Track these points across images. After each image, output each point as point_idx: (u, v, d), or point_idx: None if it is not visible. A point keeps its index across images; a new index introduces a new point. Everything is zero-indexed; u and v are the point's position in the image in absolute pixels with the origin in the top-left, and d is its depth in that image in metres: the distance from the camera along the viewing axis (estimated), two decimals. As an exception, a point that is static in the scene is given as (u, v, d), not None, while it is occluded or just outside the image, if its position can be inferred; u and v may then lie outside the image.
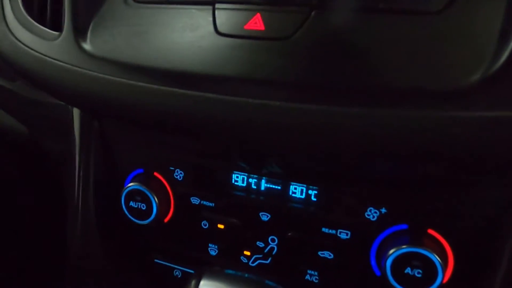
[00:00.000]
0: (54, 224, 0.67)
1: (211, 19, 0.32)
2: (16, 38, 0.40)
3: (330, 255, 0.44)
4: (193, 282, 0.30)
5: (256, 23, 0.31)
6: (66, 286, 0.61)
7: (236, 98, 0.30)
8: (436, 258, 0.38)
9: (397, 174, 0.38)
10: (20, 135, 0.70)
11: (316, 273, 0.46)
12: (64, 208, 0.59)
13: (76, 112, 0.55)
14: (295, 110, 0.29)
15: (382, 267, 0.40)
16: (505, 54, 0.25)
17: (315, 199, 0.44)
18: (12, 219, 0.74)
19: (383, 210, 0.41)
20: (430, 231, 0.40)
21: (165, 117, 0.34)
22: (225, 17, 0.32)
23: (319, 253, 0.45)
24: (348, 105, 0.28)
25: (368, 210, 0.42)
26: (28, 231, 0.77)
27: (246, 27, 0.31)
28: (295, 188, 0.45)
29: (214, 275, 0.31)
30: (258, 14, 0.30)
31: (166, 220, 0.51)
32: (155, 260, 0.55)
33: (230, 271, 0.36)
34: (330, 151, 0.32)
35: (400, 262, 0.39)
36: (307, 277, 0.46)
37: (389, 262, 0.39)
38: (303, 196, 0.45)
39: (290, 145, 0.32)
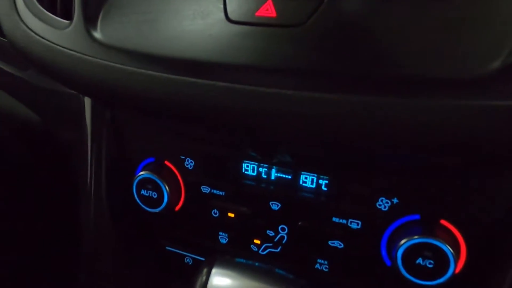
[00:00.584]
0: (67, 212, 0.68)
1: (221, 6, 0.32)
2: (27, 27, 0.40)
3: (340, 245, 0.44)
4: (204, 270, 0.31)
5: (268, 9, 0.30)
6: (80, 273, 0.62)
7: (248, 87, 0.30)
8: (448, 249, 0.38)
9: (410, 164, 0.38)
10: (33, 124, 0.71)
11: (326, 262, 0.46)
12: (77, 196, 0.60)
13: (87, 101, 0.55)
14: (307, 99, 0.29)
15: (393, 257, 0.40)
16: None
17: (325, 189, 0.44)
18: (25, 207, 0.76)
19: (395, 200, 0.41)
20: (443, 222, 0.40)
21: (175, 106, 0.34)
22: (236, 4, 0.31)
23: (329, 242, 0.45)
24: (362, 94, 0.27)
25: (379, 200, 0.41)
26: (41, 219, 0.79)
27: (257, 14, 0.30)
28: (306, 178, 0.45)
29: (225, 263, 0.31)
30: (270, 1, 0.30)
31: (177, 208, 0.52)
32: (167, 248, 0.56)
33: (241, 260, 0.36)
34: (342, 141, 0.32)
35: (412, 252, 0.39)
36: (317, 266, 0.46)
37: (400, 252, 0.39)
38: (313, 186, 0.45)
39: (302, 134, 0.32)
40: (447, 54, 0.25)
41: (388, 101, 0.27)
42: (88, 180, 0.55)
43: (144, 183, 0.50)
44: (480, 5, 0.25)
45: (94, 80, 0.37)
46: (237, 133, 0.39)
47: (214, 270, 0.30)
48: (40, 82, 0.66)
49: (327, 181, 0.44)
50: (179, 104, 0.33)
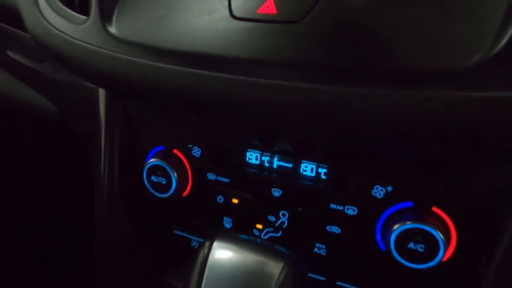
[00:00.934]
0: (81, 198, 0.72)
1: (226, 3, 0.34)
2: (48, 22, 0.44)
3: (337, 230, 0.47)
4: (206, 244, 0.34)
5: (269, 7, 0.32)
6: (94, 256, 0.66)
7: (249, 78, 0.32)
8: (438, 234, 0.40)
9: (403, 153, 0.40)
10: (50, 114, 0.75)
11: (324, 247, 0.49)
12: (91, 186, 0.63)
13: (101, 93, 0.58)
14: (304, 90, 0.31)
15: (386, 241, 0.43)
16: (506, 37, 0.26)
17: (324, 177, 0.47)
18: (41, 196, 0.80)
19: (389, 188, 0.43)
20: (435, 209, 0.42)
21: (183, 96, 0.37)
22: (240, 1, 0.34)
23: (327, 228, 0.47)
24: (354, 85, 0.30)
25: (374, 187, 0.44)
26: (56, 206, 0.82)
27: (259, 11, 0.33)
28: (306, 166, 0.47)
29: (227, 238, 0.34)
30: (271, -2, 0.32)
31: (184, 194, 0.55)
32: (174, 232, 0.59)
33: (241, 236, 0.39)
34: (337, 130, 0.34)
35: (404, 237, 0.41)
36: (316, 250, 0.49)
37: (393, 237, 0.41)
38: (313, 174, 0.47)
39: (299, 123, 0.34)
40: (431, 48, 0.27)
41: (377, 92, 0.29)
42: (102, 167, 0.58)
43: (154, 169, 0.53)
44: (463, 2, 0.27)
45: (109, 72, 0.40)
46: (239, 121, 0.41)
47: (215, 244, 0.33)
48: (56, 75, 0.69)
49: (326, 170, 0.46)
50: (187, 94, 0.36)
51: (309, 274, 0.49)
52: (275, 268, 0.31)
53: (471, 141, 0.32)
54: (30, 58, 0.71)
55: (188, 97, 0.37)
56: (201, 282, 0.31)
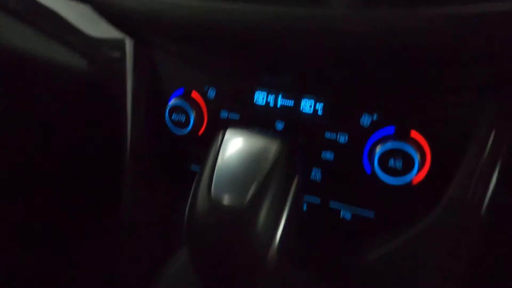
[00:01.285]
0: (109, 144, 0.80)
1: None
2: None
3: (331, 156, 0.55)
4: (221, 131, 0.43)
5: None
6: (123, 191, 0.74)
7: (260, 7, 0.41)
8: (414, 151, 0.47)
9: (388, 76, 0.47)
10: (76, 71, 0.81)
11: (319, 171, 0.57)
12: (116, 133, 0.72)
13: (129, 45, 0.67)
14: (294, 14, 0.39)
15: (371, 162, 0.51)
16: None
17: (321, 111, 0.55)
18: (68, 147, 0.86)
19: (375, 116, 0.51)
20: (413, 132, 0.50)
21: (205, 27, 0.45)
22: None
23: (322, 154, 0.55)
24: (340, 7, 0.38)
25: (362, 116, 0.52)
26: (84, 155, 0.89)
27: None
28: (305, 103, 0.56)
29: (237, 130, 0.43)
30: None
31: (200, 132, 0.63)
32: (192, 168, 0.68)
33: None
34: (326, 49, 0.42)
35: (386, 155, 0.49)
36: (312, 174, 0.57)
37: (377, 156, 0.49)
38: (311, 108, 0.55)
39: (303, 46, 0.43)
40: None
41: (360, 13, 0.37)
42: (129, 108, 0.67)
43: (175, 109, 0.61)
44: None
45: (146, 15, 0.48)
46: (250, 55, 0.50)
47: (228, 131, 0.41)
48: (79, 49, 0.78)
49: (322, 104, 0.54)
50: (208, 25, 0.45)
51: (306, 196, 0.58)
52: (274, 144, 0.39)
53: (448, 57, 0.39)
54: (49, 29, 0.79)
55: (209, 28, 0.45)
56: (217, 157, 0.40)
